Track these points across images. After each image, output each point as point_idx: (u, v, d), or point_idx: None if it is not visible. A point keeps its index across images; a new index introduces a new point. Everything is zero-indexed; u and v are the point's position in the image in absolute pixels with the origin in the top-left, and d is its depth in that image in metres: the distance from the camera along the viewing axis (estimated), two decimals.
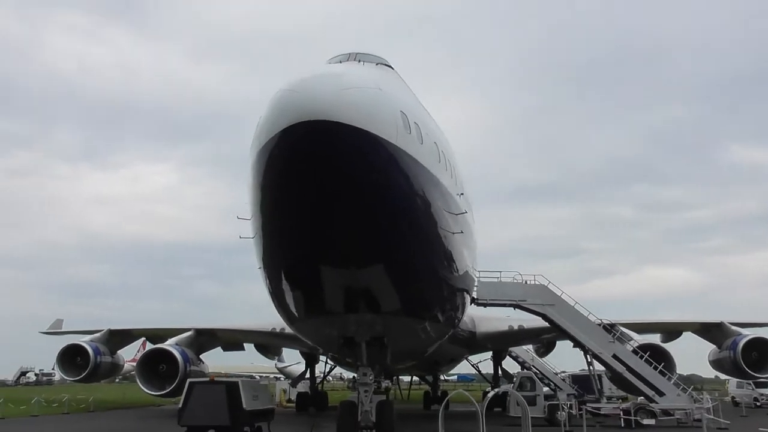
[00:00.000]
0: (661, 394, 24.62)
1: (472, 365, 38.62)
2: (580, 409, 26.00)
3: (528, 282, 25.42)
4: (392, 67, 17.52)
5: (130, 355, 53.51)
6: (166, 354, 32.06)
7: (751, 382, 38.70)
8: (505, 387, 33.42)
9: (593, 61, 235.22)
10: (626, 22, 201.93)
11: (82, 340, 37.67)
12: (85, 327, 41.00)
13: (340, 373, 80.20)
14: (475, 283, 24.14)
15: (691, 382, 31.03)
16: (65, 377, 40.93)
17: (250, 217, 13.63)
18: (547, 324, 26.09)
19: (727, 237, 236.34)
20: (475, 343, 31.87)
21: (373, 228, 12.43)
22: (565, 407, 23.89)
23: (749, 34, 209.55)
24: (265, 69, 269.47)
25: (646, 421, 24.54)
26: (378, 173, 11.78)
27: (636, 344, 27.68)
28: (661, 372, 25.03)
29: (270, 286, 15.10)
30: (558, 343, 38.17)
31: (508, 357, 38.17)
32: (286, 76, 11.99)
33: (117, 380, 79.92)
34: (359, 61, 16.34)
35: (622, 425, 24.25)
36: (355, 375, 16.53)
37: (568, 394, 31.28)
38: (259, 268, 14.70)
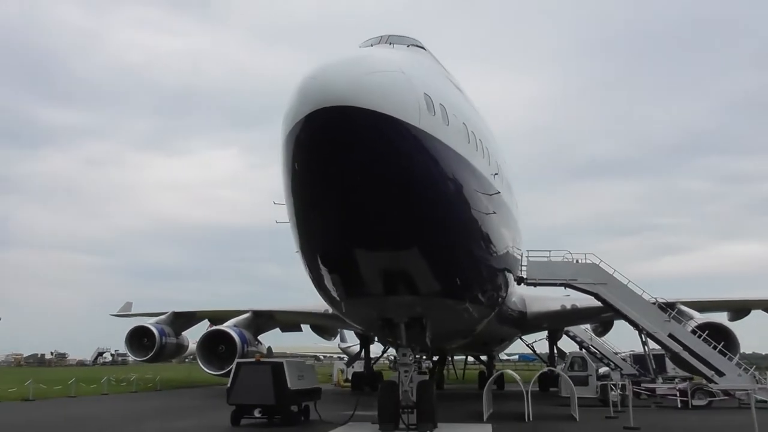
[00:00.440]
0: (720, 374, 23.74)
1: (527, 345, 38.23)
2: (635, 390, 25.50)
3: (579, 261, 24.98)
4: (425, 49, 17.37)
5: (196, 336, 55.99)
6: (225, 335, 33.24)
7: None
8: (561, 367, 33.00)
9: (667, 29, 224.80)
10: None
11: (149, 322, 39.47)
12: (156, 309, 42.69)
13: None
14: (523, 263, 23.95)
15: (753, 362, 29.65)
16: (133, 357, 43.11)
17: (285, 202, 13.91)
18: (600, 303, 25.55)
19: None
20: (525, 323, 31.49)
21: (396, 211, 12.42)
22: (614, 388, 23.34)
23: None
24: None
25: (702, 402, 23.76)
26: (400, 156, 11.76)
27: (696, 323, 26.83)
28: (720, 351, 24.14)
29: (308, 269, 15.39)
30: (616, 322, 37.30)
31: (565, 336, 37.73)
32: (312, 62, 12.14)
33: (186, 360, 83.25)
34: (390, 44, 16.31)
35: (679, 406, 23.52)
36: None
37: (623, 374, 30.64)
38: (296, 252, 15.01)
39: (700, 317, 29.10)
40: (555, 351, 38.36)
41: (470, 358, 51.86)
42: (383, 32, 17.49)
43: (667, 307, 25.63)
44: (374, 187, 11.91)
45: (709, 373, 23.88)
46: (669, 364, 32.58)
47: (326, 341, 54.17)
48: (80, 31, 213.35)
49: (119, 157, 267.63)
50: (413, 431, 15.43)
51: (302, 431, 16.66)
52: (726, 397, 24.17)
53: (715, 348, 24.10)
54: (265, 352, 38.65)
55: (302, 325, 43.39)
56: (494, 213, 15.60)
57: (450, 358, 50.98)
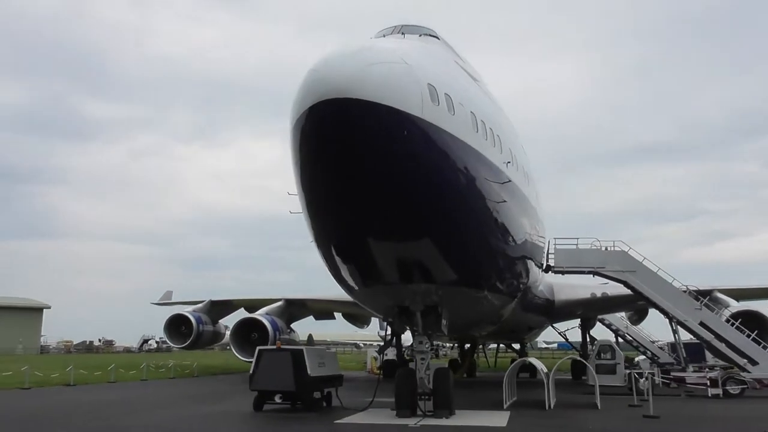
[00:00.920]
0: (754, 362, 23.17)
1: (559, 333, 37.84)
2: (664, 380, 25.09)
3: (607, 248, 24.64)
4: (438, 38, 17.33)
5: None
6: (257, 323, 34.10)
7: None
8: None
9: (709, 8, 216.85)
10: None
11: (186, 311, 40.67)
12: (199, 297, 43.72)
13: None
14: (550, 251, 23.80)
15: None
16: (172, 344, 44.42)
17: (296, 193, 14.16)
18: (630, 291, 25.16)
19: None
20: (553, 311, 31.23)
21: (399, 201, 12.53)
22: (641, 376, 23.00)
23: None
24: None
25: (734, 391, 23.23)
26: (402, 146, 11.84)
27: (731, 312, 26.19)
28: (754, 340, 23.52)
29: (323, 258, 15.66)
30: (650, 310, 36.59)
31: (600, 325, 37.19)
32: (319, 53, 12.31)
33: (227, 347, 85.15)
34: (402, 33, 16.34)
35: (709, 395, 23.03)
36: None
37: (659, 363, 30.09)
38: (311, 241, 15.28)
39: (736, 305, 28.43)
40: (587, 339, 37.87)
41: (503, 346, 51.71)
42: (414, 21, 17.46)
43: (702, 295, 25.12)
44: (375, 178, 12.04)
45: (742, 361, 23.37)
46: (708, 354, 31.87)
47: (370, 329, 54.48)
48: (124, 25, 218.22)
49: (163, 149, 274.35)
50: (430, 417, 15.63)
51: (322, 417, 16.94)
52: (759, 387, 23.58)
53: (748, 336, 23.54)
54: (297, 339, 39.34)
55: (335, 314, 43.97)
56: (505, 201, 15.53)
57: (481, 346, 50.92)
